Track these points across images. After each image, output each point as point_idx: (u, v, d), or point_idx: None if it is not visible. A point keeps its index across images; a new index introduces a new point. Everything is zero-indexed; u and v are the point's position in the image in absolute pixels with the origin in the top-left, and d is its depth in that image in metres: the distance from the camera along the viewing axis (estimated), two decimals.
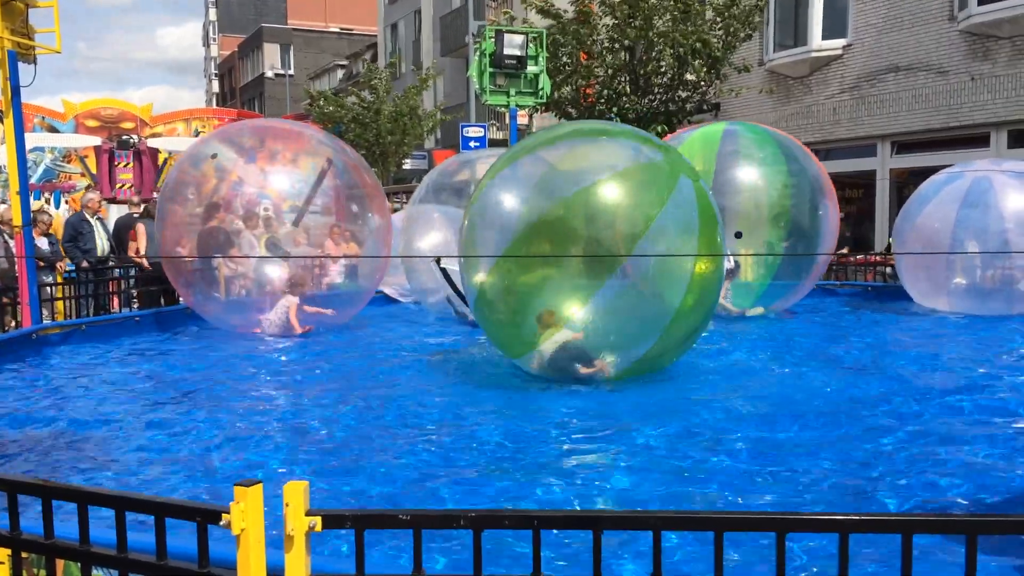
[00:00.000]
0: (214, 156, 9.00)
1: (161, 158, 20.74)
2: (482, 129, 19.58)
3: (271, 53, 58.87)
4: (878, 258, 13.81)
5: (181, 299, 9.79)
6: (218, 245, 8.70)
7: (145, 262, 10.68)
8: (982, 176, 9.52)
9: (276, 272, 8.90)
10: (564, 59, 17.10)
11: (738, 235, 9.32)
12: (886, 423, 5.16)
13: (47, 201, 20.55)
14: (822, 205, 9.59)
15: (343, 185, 9.38)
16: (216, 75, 72.44)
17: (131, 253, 11.00)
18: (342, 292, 9.55)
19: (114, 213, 16.11)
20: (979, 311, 9.23)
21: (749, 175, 9.45)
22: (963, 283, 9.56)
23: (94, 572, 2.39)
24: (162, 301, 10.84)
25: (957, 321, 9.21)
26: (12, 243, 9.60)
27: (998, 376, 6.52)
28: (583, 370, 6.24)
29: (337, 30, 61.40)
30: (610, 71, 16.99)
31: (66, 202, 18.72)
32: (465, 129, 19.42)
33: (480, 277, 6.40)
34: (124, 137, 21.11)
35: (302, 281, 8.93)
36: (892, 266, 11.64)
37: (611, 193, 6.10)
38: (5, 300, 9.36)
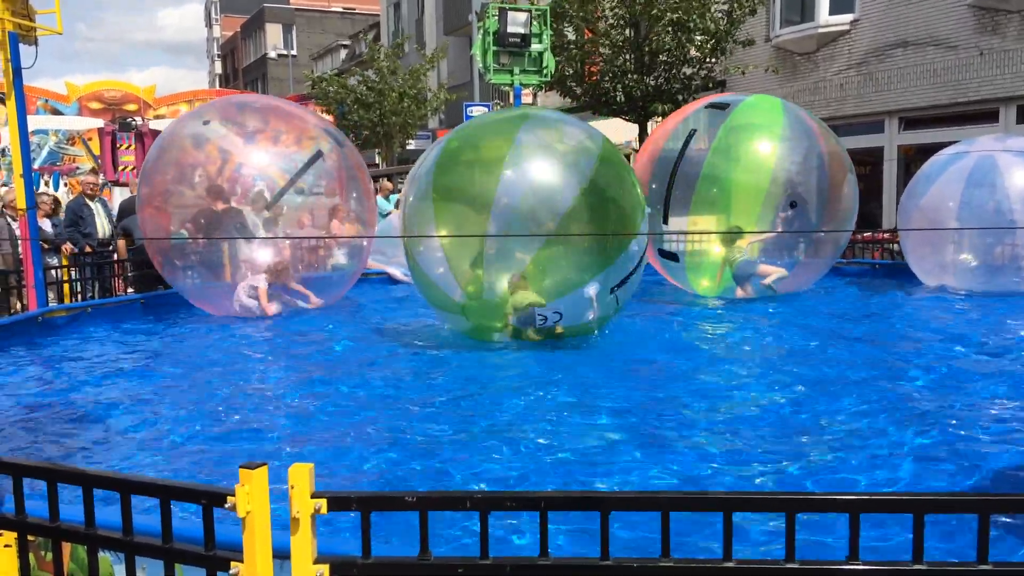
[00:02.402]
0: (206, 122, 8.88)
1: None
2: (486, 108, 19.50)
3: (273, 33, 58.71)
4: (885, 235, 13.71)
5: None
6: (210, 227, 8.53)
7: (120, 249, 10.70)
8: (986, 155, 9.43)
9: (264, 256, 8.76)
10: (568, 36, 16.92)
11: (793, 204, 9.12)
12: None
13: (46, 184, 20.57)
14: (845, 181, 9.47)
15: (344, 167, 9.31)
16: (219, 56, 72.10)
17: (122, 252, 10.87)
18: (336, 273, 9.46)
19: (118, 196, 16.12)
20: (985, 288, 9.17)
21: (764, 148, 9.28)
22: (969, 262, 9.49)
23: (100, 555, 2.39)
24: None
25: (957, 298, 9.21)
26: (16, 225, 9.59)
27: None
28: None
29: (340, 9, 61.06)
30: (615, 48, 16.83)
31: (65, 184, 18.71)
32: (469, 108, 19.36)
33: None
34: (126, 119, 21.06)
35: (284, 270, 8.67)
36: (899, 243, 11.55)
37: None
38: (11, 283, 9.35)
